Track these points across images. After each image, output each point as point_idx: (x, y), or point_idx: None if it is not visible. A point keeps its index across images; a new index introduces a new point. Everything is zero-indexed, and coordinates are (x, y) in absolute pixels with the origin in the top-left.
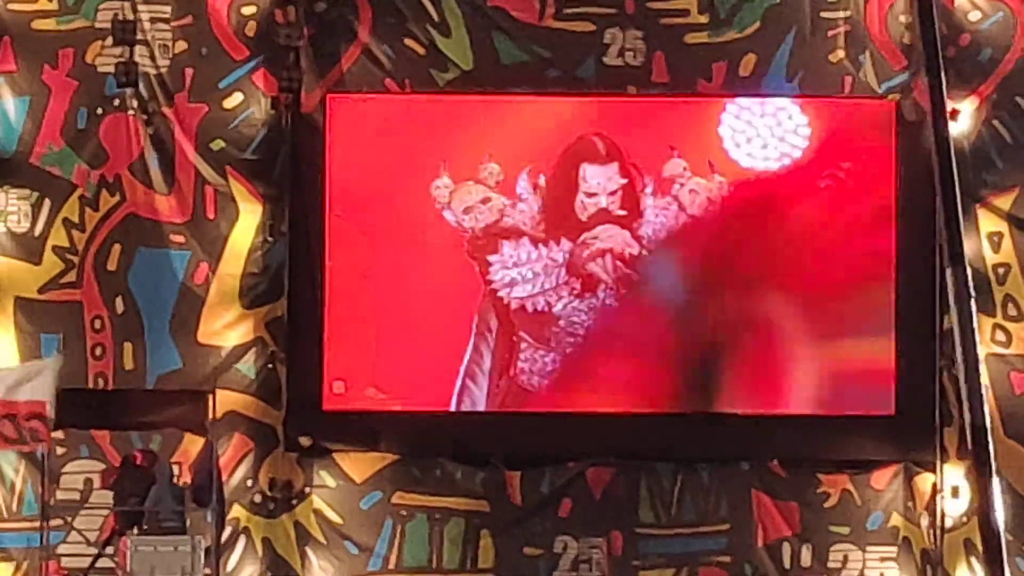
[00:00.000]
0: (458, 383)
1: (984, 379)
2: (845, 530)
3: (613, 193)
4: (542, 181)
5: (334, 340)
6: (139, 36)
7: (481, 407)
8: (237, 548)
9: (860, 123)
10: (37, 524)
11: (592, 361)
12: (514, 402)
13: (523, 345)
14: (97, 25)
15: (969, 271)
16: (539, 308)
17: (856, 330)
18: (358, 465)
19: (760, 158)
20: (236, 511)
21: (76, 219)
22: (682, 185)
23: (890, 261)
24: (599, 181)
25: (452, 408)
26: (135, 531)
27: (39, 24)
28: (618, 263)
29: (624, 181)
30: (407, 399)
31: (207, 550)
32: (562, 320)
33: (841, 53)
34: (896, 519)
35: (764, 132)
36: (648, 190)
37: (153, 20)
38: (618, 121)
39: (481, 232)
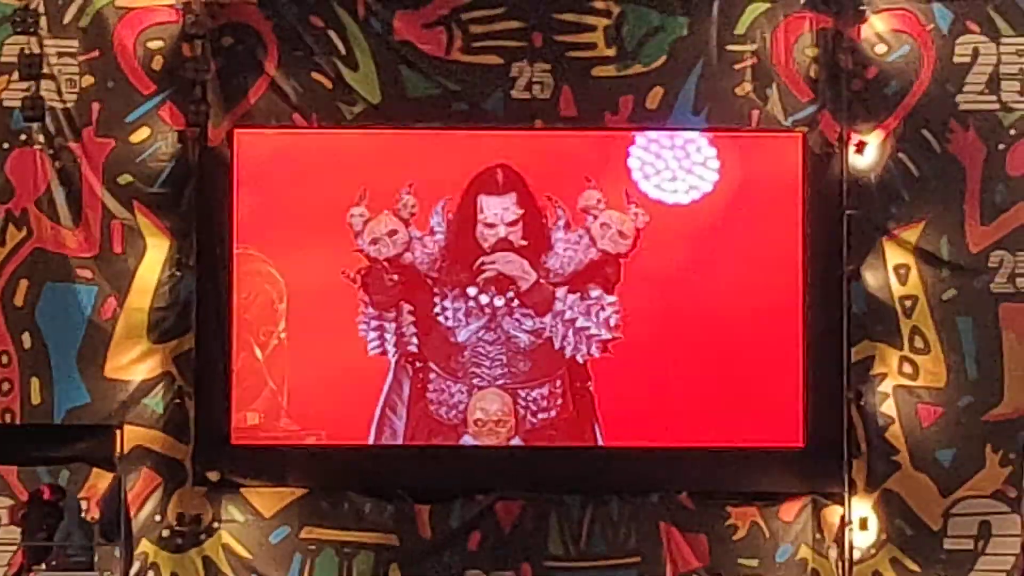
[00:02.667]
0: (377, 413)
1: (891, 411)
2: (754, 562)
3: (513, 224)
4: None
5: (244, 374)
6: (45, 70)
7: (399, 439)
8: None
9: (767, 155)
10: None
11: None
12: (428, 434)
13: (432, 376)
14: (3, 59)
15: None
16: (446, 338)
17: (763, 362)
18: (266, 499)
19: (669, 191)
20: (144, 546)
21: None
22: (595, 218)
23: (797, 293)
24: (496, 212)
25: (371, 441)
26: (43, 567)
27: None
28: (509, 290)
29: (521, 211)
30: (324, 431)
31: None
32: (467, 351)
33: (748, 86)
34: (805, 551)
35: (673, 164)
36: (560, 223)
37: (60, 54)
38: (530, 154)
39: (388, 263)
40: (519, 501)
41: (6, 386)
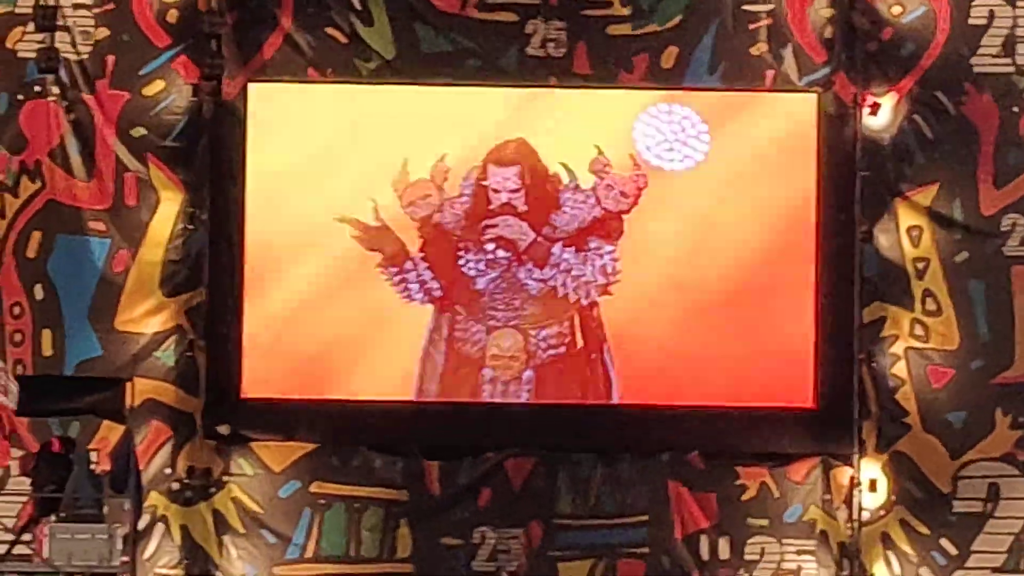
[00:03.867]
0: (422, 350)
1: (903, 373)
2: (763, 522)
3: (515, 191)
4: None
5: (254, 326)
6: (60, 22)
7: (439, 370)
8: (154, 536)
9: (781, 116)
10: None
11: None
12: (456, 367)
13: (458, 318)
14: (18, 11)
15: None
16: (468, 286)
17: (775, 322)
18: (276, 454)
19: (666, 159)
20: (154, 499)
21: None
22: (601, 179)
23: (810, 255)
24: (499, 180)
25: (415, 380)
26: (52, 518)
27: None
28: (510, 249)
29: (520, 183)
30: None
31: (124, 538)
32: (486, 296)
33: (763, 46)
34: (814, 512)
35: (670, 136)
36: (571, 184)
37: (75, 6)
38: (543, 115)
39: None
40: (529, 458)
41: (18, 337)
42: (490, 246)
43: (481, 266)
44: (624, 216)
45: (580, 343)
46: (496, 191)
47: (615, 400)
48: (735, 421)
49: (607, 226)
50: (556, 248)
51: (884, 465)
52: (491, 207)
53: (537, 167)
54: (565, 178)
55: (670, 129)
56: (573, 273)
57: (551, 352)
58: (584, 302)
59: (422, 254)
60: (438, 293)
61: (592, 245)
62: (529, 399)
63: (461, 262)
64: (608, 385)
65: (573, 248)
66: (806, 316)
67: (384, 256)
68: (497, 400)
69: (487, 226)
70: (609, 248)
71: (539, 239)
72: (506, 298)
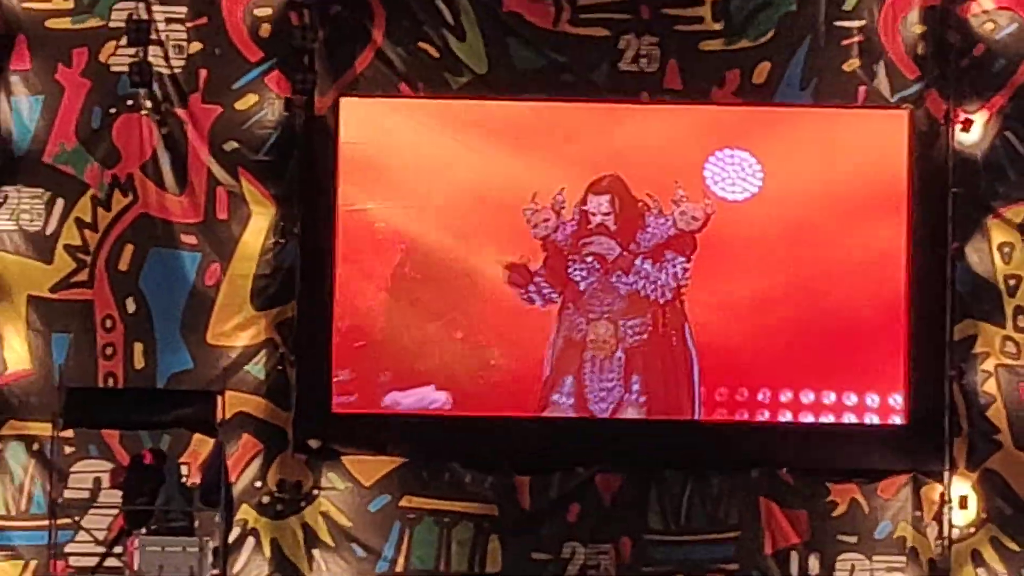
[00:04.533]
0: (551, 341)
1: (993, 390)
2: (853, 539)
3: (607, 214)
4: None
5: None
6: (153, 36)
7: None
8: (245, 549)
9: (874, 132)
10: (45, 523)
11: None
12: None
13: (566, 313)
14: (111, 24)
15: None
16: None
17: (868, 340)
18: (367, 468)
19: (729, 192)
20: (244, 512)
21: (88, 218)
22: (678, 206)
23: (902, 272)
24: (595, 205)
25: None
26: (143, 531)
27: (53, 23)
28: (599, 262)
29: (611, 209)
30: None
31: (215, 551)
32: (587, 295)
33: (855, 62)
34: (904, 529)
35: (733, 175)
36: (655, 211)
37: (168, 20)
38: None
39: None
40: (619, 474)
41: (110, 350)
42: (588, 258)
43: (583, 273)
44: (696, 235)
45: (661, 330)
46: (593, 214)
47: (695, 381)
48: (826, 437)
49: (681, 242)
50: (638, 260)
51: (975, 482)
52: (589, 227)
53: (626, 197)
54: (650, 204)
55: (733, 170)
56: (651, 278)
57: (636, 338)
58: (661, 301)
59: (543, 268)
60: (556, 297)
61: (667, 256)
62: (619, 378)
63: (570, 270)
64: (689, 361)
65: (651, 259)
66: (897, 332)
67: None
68: (586, 415)
69: (584, 243)
70: (682, 259)
71: (624, 253)
72: (601, 297)
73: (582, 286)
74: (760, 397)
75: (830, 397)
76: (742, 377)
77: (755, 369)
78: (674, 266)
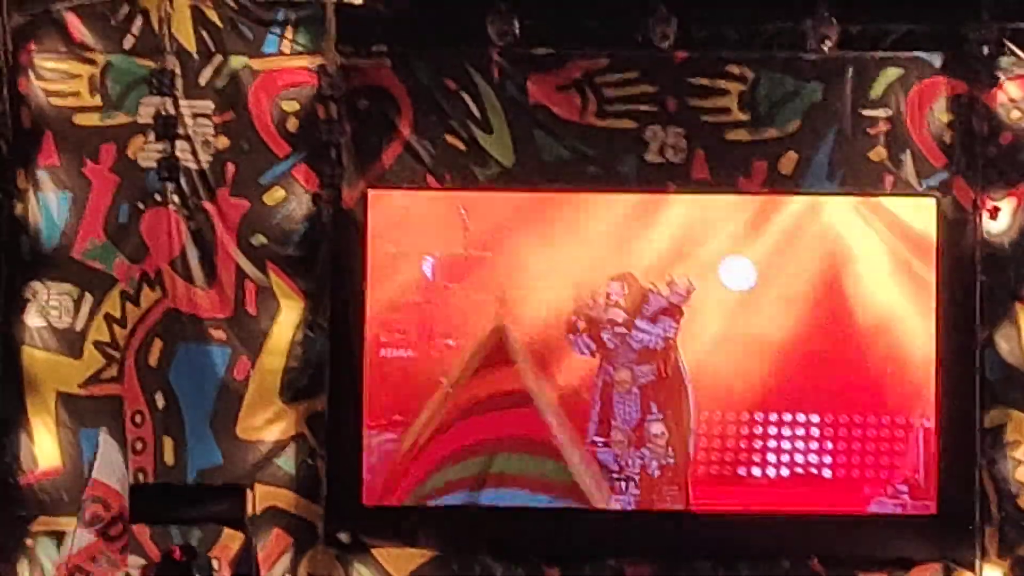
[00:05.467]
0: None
1: None
2: None
3: (621, 295)
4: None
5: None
6: (181, 131)
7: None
8: None
9: (901, 221)
10: None
11: None
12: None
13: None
14: (139, 120)
15: None
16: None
17: (897, 429)
18: (397, 561)
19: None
20: None
21: (117, 314)
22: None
23: (930, 359)
24: (613, 289)
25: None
26: None
27: (81, 119)
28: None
29: (622, 292)
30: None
31: None
32: (614, 350)
33: (882, 151)
34: None
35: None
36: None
37: (195, 116)
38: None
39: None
40: (648, 565)
41: (139, 445)
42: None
43: (609, 335)
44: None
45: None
46: (611, 294)
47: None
48: (856, 527)
49: (671, 311)
50: (641, 323)
51: (1006, 571)
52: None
53: (634, 285)
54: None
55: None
56: (652, 335)
57: (646, 379)
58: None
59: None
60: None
61: (661, 320)
62: (637, 407)
63: (603, 335)
64: (685, 397)
65: (649, 321)
66: (927, 420)
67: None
68: (616, 507)
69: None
70: (672, 323)
71: (629, 319)
72: (621, 350)
73: (609, 345)
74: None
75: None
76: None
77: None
78: (666, 329)
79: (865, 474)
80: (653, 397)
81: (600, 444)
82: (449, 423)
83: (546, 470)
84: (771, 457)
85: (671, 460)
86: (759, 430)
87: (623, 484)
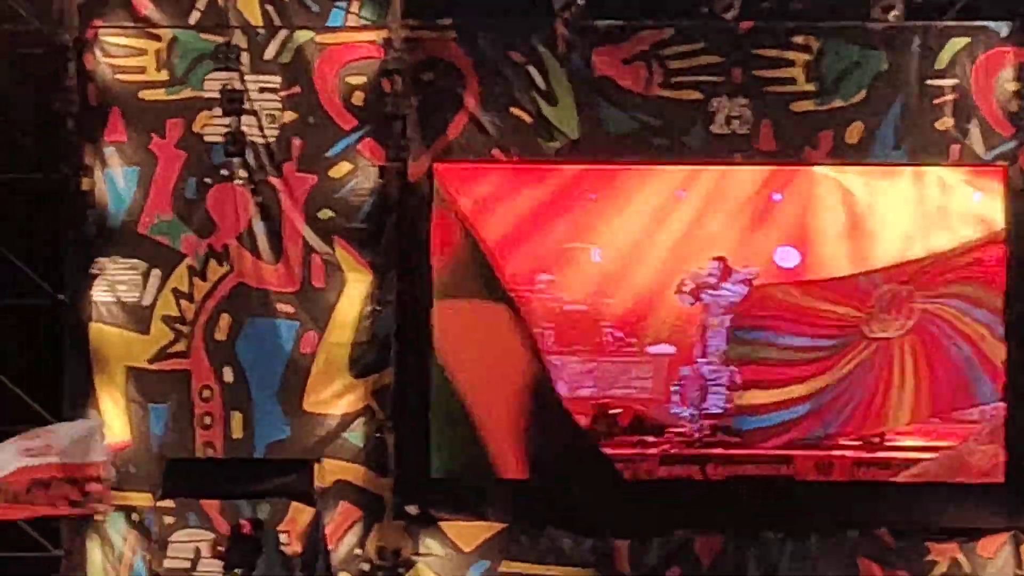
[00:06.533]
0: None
1: None
2: None
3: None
4: None
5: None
6: (247, 106)
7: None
8: None
9: (967, 190)
10: None
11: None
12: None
13: None
14: (205, 95)
15: None
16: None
17: (965, 398)
18: (465, 533)
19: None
20: None
21: (185, 289)
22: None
23: (999, 329)
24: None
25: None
26: None
27: (147, 94)
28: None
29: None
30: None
31: None
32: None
33: (949, 121)
34: None
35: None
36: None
37: (261, 90)
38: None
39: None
40: (718, 536)
41: (208, 420)
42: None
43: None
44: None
45: None
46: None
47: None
48: (925, 496)
49: (746, 281)
50: (727, 285)
51: None
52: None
53: (724, 263)
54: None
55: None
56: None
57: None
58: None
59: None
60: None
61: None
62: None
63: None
64: None
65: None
66: (995, 389)
67: None
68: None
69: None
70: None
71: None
72: (712, 304)
73: (706, 300)
74: None
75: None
76: None
77: None
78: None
79: (935, 445)
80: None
81: (702, 363)
82: None
83: None
84: None
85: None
86: None
87: (717, 389)
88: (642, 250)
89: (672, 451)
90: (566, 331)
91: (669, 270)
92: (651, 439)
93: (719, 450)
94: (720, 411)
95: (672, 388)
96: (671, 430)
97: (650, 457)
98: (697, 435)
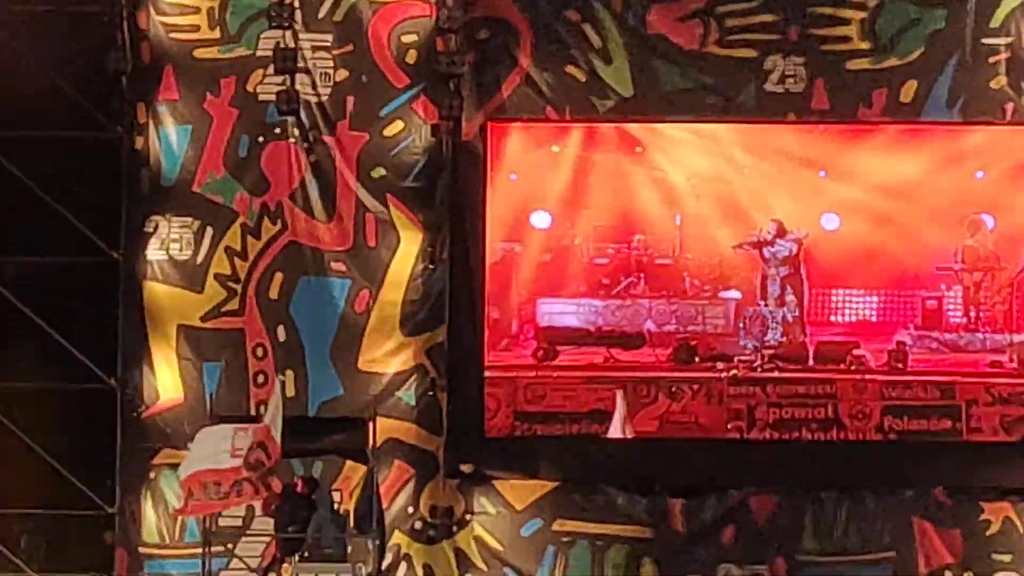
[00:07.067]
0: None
1: None
2: (1007, 558)
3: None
4: None
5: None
6: (300, 64)
7: None
8: (398, 575)
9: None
10: (199, 551)
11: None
12: None
13: None
14: (258, 54)
15: None
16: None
17: (1014, 356)
18: (518, 492)
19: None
20: (397, 538)
21: (238, 247)
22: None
23: None
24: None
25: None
26: (296, 558)
27: (201, 53)
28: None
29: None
30: None
31: None
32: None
33: (1003, 79)
34: None
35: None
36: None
37: (314, 48)
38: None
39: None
40: (773, 495)
41: (261, 378)
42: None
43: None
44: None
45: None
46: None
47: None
48: (978, 455)
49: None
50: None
51: None
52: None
53: (780, 224)
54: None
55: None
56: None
57: (784, 272)
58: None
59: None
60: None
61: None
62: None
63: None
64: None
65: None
66: None
67: None
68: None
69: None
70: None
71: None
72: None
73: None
74: None
75: None
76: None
77: None
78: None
79: (988, 405)
80: (788, 282)
81: (762, 305)
82: None
83: None
84: None
85: (796, 314)
86: None
87: (775, 326)
88: (715, 215)
89: (739, 375)
90: (655, 279)
91: (737, 231)
92: (721, 366)
93: (776, 374)
94: (776, 344)
95: (739, 325)
96: (738, 358)
97: (721, 380)
98: (758, 362)
